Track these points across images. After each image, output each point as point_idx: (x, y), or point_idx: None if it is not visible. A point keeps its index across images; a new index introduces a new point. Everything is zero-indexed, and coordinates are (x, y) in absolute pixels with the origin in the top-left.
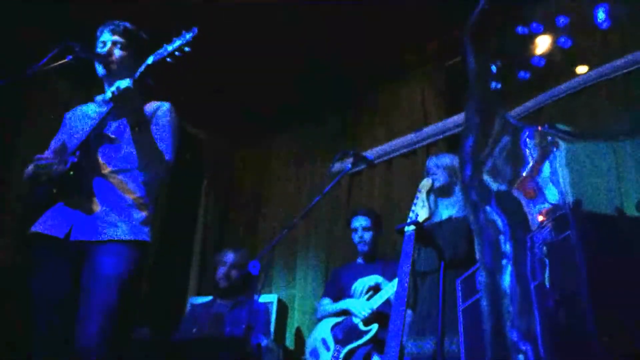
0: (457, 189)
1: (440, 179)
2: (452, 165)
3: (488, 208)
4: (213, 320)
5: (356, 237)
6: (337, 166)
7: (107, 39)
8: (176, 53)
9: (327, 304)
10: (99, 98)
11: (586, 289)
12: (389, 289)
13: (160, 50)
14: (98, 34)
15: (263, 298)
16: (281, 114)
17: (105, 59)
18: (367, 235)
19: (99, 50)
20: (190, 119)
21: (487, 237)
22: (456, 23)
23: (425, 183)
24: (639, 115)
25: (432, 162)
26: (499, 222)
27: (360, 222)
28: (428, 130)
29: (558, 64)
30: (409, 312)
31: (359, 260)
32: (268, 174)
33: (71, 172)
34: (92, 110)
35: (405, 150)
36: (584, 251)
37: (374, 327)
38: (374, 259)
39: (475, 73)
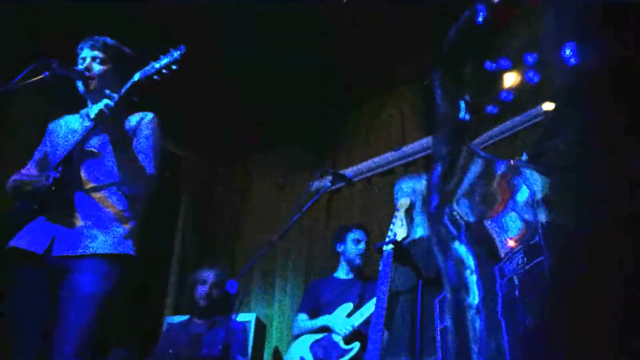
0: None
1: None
2: (415, 187)
3: (456, 242)
4: (190, 341)
5: (355, 250)
6: (316, 184)
7: (87, 55)
8: (163, 71)
9: (304, 320)
10: (83, 112)
11: (559, 313)
12: (370, 306)
13: (147, 68)
14: (78, 51)
15: (241, 317)
16: (261, 133)
17: (84, 75)
18: (364, 249)
19: (79, 67)
20: (170, 136)
21: (452, 272)
22: (433, 44)
23: (404, 202)
24: None
25: (396, 187)
26: (466, 257)
27: (360, 235)
28: (406, 149)
29: (526, 98)
30: (385, 331)
31: (339, 275)
32: (247, 192)
33: (53, 188)
34: (75, 123)
35: (383, 168)
36: (557, 275)
37: (356, 345)
38: (360, 275)
39: (443, 106)
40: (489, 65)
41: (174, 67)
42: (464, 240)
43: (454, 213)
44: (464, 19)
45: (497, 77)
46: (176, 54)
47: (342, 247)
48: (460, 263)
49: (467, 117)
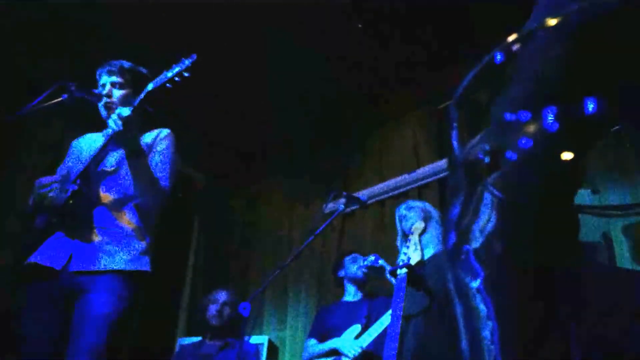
0: (430, 225)
1: (415, 220)
2: (423, 207)
3: (473, 289)
4: None
5: (354, 266)
6: (330, 206)
7: (106, 81)
8: (175, 79)
9: (314, 345)
10: (105, 132)
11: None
12: (378, 327)
13: (160, 77)
14: (97, 77)
15: (253, 339)
16: (274, 156)
17: (102, 96)
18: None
19: (100, 93)
20: (183, 159)
21: (465, 315)
22: (447, 67)
23: (418, 226)
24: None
25: (401, 209)
26: (482, 305)
27: (355, 255)
28: (420, 172)
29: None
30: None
31: (346, 299)
32: (260, 214)
33: (71, 201)
34: (98, 142)
35: (397, 191)
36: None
37: None
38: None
39: (460, 151)
40: (508, 116)
41: (185, 74)
42: (482, 287)
43: (473, 251)
44: (482, 66)
45: (517, 127)
46: (187, 61)
47: (343, 271)
48: (475, 308)
49: (486, 161)
